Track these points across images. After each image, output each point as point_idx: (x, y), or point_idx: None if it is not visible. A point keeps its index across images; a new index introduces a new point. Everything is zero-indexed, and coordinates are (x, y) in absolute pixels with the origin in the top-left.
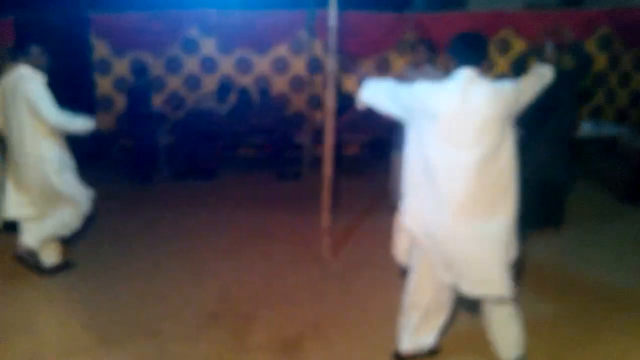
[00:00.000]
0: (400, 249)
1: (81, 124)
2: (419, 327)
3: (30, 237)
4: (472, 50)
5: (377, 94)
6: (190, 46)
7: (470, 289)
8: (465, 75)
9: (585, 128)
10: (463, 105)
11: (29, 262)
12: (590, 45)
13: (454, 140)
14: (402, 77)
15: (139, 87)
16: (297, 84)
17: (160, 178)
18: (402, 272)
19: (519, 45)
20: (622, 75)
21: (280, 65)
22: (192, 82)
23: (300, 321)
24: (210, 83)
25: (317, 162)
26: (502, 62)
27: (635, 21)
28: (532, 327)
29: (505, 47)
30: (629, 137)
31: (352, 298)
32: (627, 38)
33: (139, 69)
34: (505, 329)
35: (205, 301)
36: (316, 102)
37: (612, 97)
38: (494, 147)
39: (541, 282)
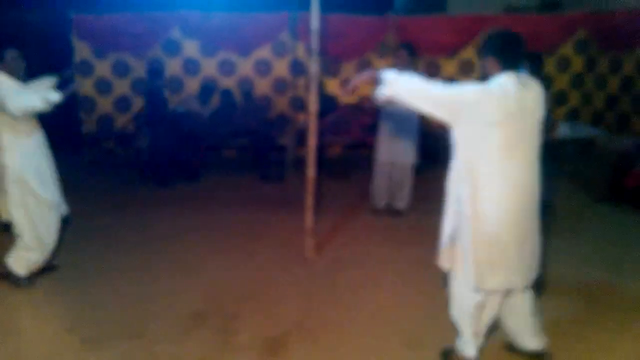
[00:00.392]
0: (445, 255)
1: (39, 98)
2: (479, 331)
3: (18, 266)
4: (519, 53)
5: (417, 94)
6: (173, 48)
7: (524, 280)
8: (513, 80)
9: (562, 130)
10: (520, 111)
11: (10, 280)
12: (568, 48)
13: (513, 144)
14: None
15: (155, 89)
16: (280, 86)
17: (143, 180)
18: (444, 281)
19: None
20: (598, 78)
21: (263, 68)
22: (175, 84)
23: (285, 320)
24: (192, 85)
25: (300, 163)
26: None
27: (611, 25)
28: None
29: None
30: (605, 138)
31: (336, 297)
32: (603, 42)
33: (155, 70)
34: (532, 314)
35: (190, 301)
36: (299, 104)
37: (589, 100)
38: (538, 146)
39: None
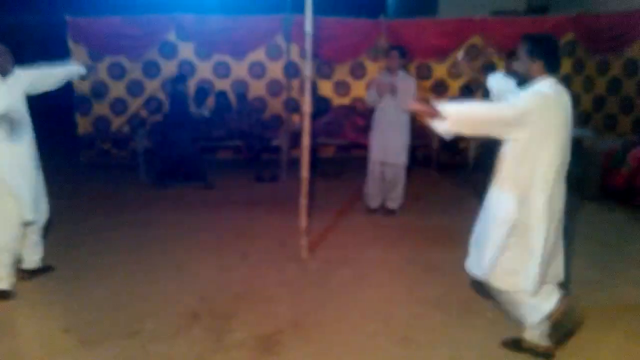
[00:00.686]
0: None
1: None
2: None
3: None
4: (559, 57)
5: (481, 123)
6: (168, 50)
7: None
8: (557, 84)
9: None
10: (567, 112)
11: None
12: None
13: (561, 146)
14: (378, 81)
15: (178, 93)
16: (274, 88)
17: (140, 180)
18: (481, 289)
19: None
20: (586, 80)
21: (258, 70)
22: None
23: (279, 319)
24: (188, 87)
25: (294, 164)
26: (472, 67)
27: (598, 28)
28: (502, 325)
29: (475, 53)
30: (593, 139)
31: (329, 296)
32: (591, 44)
33: (179, 76)
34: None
35: (185, 301)
36: (293, 106)
37: (576, 101)
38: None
39: None
